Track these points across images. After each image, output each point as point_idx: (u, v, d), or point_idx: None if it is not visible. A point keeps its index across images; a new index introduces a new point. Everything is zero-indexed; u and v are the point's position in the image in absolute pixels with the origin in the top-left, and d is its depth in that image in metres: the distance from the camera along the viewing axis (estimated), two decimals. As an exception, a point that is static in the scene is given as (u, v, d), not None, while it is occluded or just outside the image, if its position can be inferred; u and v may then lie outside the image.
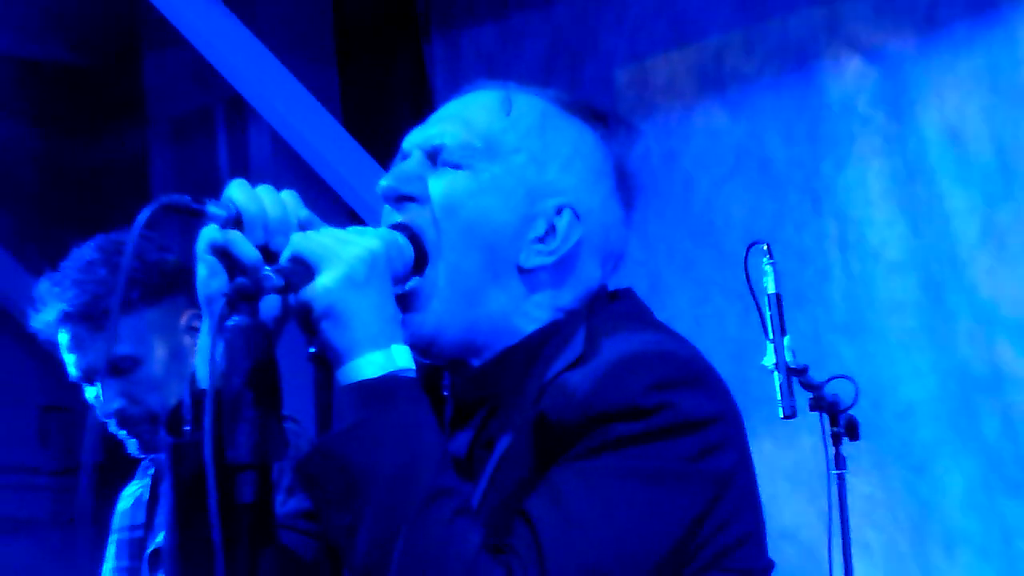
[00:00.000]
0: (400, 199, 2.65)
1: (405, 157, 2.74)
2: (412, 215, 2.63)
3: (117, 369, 3.89)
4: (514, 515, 2.44)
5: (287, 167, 6.63)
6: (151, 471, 4.19)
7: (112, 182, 7.17)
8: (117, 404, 3.92)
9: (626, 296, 2.76)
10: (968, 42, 6.12)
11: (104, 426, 4.08)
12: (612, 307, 2.72)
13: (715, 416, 2.52)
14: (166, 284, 3.23)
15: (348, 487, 2.39)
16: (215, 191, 6.23)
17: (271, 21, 6.69)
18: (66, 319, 3.95)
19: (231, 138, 6.82)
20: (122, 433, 3.95)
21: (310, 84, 6.51)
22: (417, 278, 2.62)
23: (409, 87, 6.91)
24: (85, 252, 4.13)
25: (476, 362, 2.68)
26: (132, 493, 4.27)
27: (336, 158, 6.40)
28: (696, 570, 2.51)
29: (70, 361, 4.05)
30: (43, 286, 4.04)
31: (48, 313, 3.98)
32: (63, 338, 4.01)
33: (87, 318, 3.89)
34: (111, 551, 4.30)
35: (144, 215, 2.40)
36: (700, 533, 2.49)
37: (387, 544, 2.35)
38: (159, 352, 3.92)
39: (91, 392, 4.04)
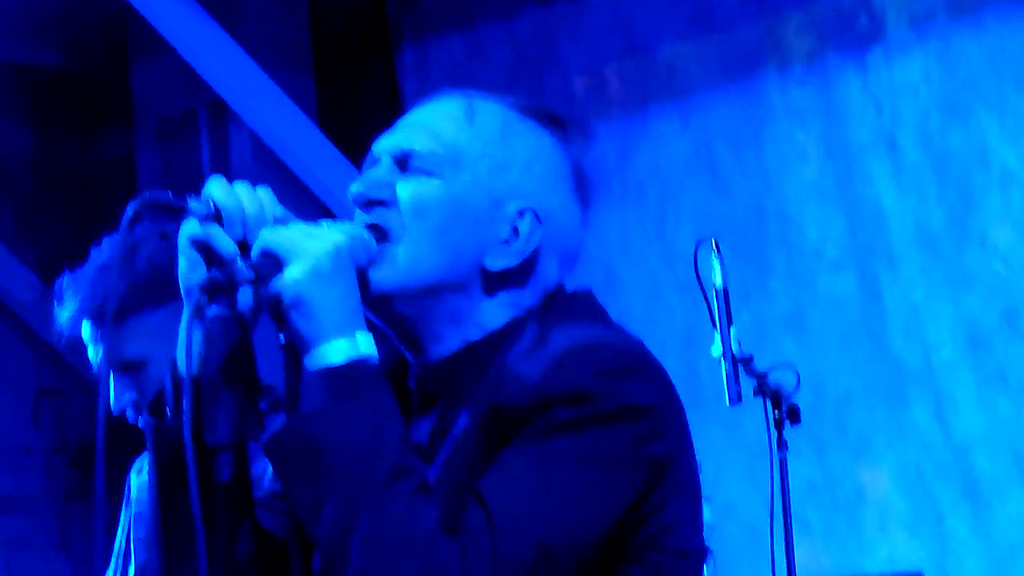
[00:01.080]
0: (369, 203, 2.66)
1: (375, 162, 2.73)
2: (381, 218, 2.63)
3: (127, 367, 3.89)
4: (467, 495, 2.44)
5: (266, 167, 6.62)
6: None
7: (101, 180, 7.20)
8: (129, 397, 3.90)
9: (584, 296, 2.77)
10: (904, 53, 6.15)
11: (109, 409, 3.93)
12: (567, 305, 2.72)
13: (655, 404, 2.54)
14: (172, 288, 2.98)
15: (314, 466, 2.42)
16: (198, 190, 6.22)
17: (252, 29, 6.68)
18: (83, 316, 3.92)
19: (213, 139, 6.81)
20: (139, 421, 3.91)
21: (288, 89, 6.52)
22: (382, 245, 2.62)
23: (381, 93, 6.92)
24: (104, 249, 4.06)
25: (436, 352, 2.68)
26: (136, 476, 4.24)
27: (312, 159, 6.42)
28: (634, 548, 2.53)
29: (92, 354, 4.01)
30: (64, 284, 3.98)
31: (67, 310, 3.93)
32: (84, 333, 3.97)
33: (102, 316, 3.86)
34: (127, 523, 4.26)
35: (129, 212, 2.42)
36: (638, 513, 2.51)
37: (349, 520, 2.39)
38: (167, 351, 3.98)
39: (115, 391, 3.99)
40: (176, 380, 2.54)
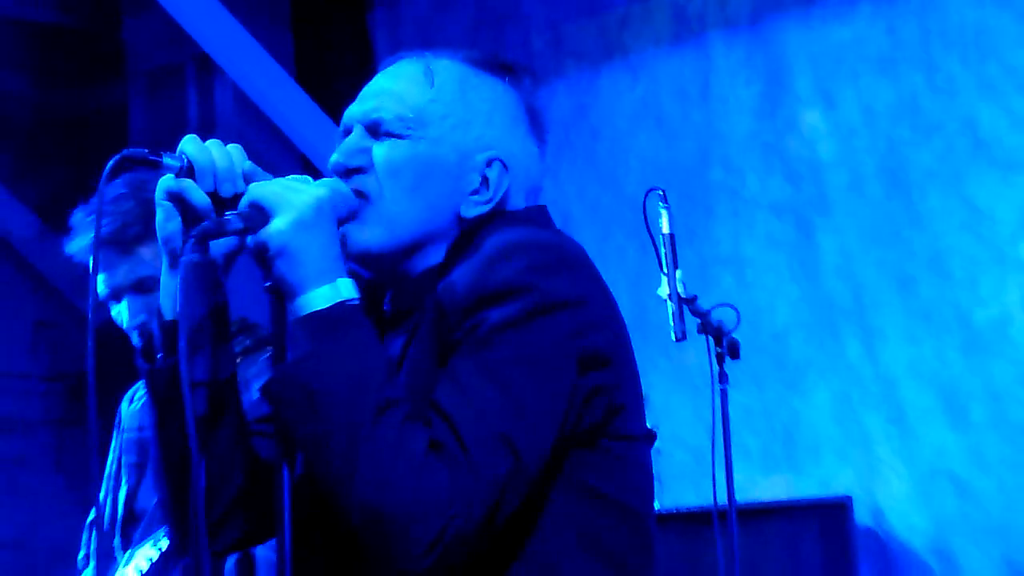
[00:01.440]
0: (348, 171, 2.67)
1: (348, 132, 2.75)
2: (360, 183, 2.65)
3: (141, 288, 3.87)
4: (428, 406, 2.45)
5: (247, 116, 6.64)
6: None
7: (95, 128, 7.19)
8: (141, 318, 3.89)
9: (533, 208, 2.80)
10: (839, 16, 6.15)
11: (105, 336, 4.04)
12: (511, 216, 2.75)
13: (585, 298, 2.53)
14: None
15: (309, 408, 2.42)
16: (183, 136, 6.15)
17: None
18: (96, 243, 3.64)
19: (199, 91, 6.81)
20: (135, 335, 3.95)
21: (267, 44, 6.51)
22: (363, 202, 2.64)
23: (354, 48, 6.90)
24: (114, 187, 4.01)
25: (407, 277, 2.70)
26: (140, 396, 4.23)
27: (290, 109, 6.42)
28: (587, 435, 2.54)
29: (100, 281, 4.00)
30: (78, 216, 4.01)
31: (82, 239, 3.95)
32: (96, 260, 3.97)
33: (115, 244, 3.86)
34: (118, 448, 4.28)
35: (110, 164, 2.40)
36: (585, 401, 2.52)
37: (346, 455, 2.39)
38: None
39: (115, 309, 3.98)
40: (163, 325, 2.55)
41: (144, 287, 3.86)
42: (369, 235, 2.66)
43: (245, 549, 3.35)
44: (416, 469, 2.40)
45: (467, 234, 2.74)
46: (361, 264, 2.70)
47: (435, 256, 2.75)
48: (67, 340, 7.34)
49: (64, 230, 6.22)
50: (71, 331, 7.32)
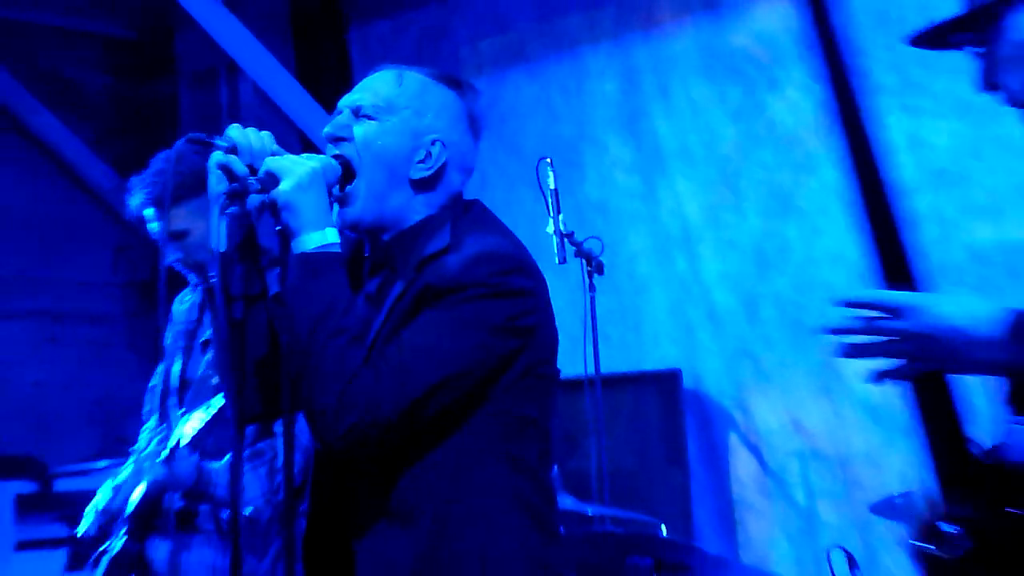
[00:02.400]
0: (336, 139, 2.86)
1: (339, 113, 2.90)
2: (344, 149, 2.84)
3: (176, 236, 4.02)
4: (394, 343, 2.67)
5: (263, 106, 6.79)
6: (200, 288, 4.24)
7: (154, 110, 7.30)
8: (176, 256, 4.06)
9: (476, 205, 2.94)
10: (674, 33, 6.38)
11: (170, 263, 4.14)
12: (469, 214, 2.90)
13: (530, 292, 2.75)
14: (203, 185, 2.99)
15: (289, 322, 2.67)
16: (218, 122, 6.54)
17: (253, 12, 6.77)
18: (148, 202, 4.06)
19: (228, 86, 6.91)
20: (184, 271, 4.13)
21: (277, 55, 6.66)
22: (349, 187, 2.81)
23: (336, 59, 7.05)
24: (159, 160, 4.20)
25: (385, 237, 2.86)
26: (187, 299, 4.33)
27: (292, 100, 6.56)
28: (519, 374, 2.75)
29: (152, 227, 4.15)
30: (134, 180, 4.12)
31: (137, 197, 4.08)
32: (147, 214, 4.10)
33: (160, 203, 4.02)
34: (171, 335, 4.35)
35: (178, 143, 2.75)
36: (517, 356, 2.74)
37: (306, 355, 2.63)
38: (201, 226, 3.97)
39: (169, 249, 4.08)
40: (214, 256, 2.77)
41: (178, 236, 4.01)
42: (353, 210, 2.80)
43: (267, 420, 3.56)
44: (347, 377, 2.58)
45: (443, 216, 2.87)
46: (350, 229, 2.82)
47: (398, 219, 2.86)
48: (136, 259, 7.46)
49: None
50: (141, 253, 7.41)
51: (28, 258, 7.24)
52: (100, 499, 4.25)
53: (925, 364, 2.31)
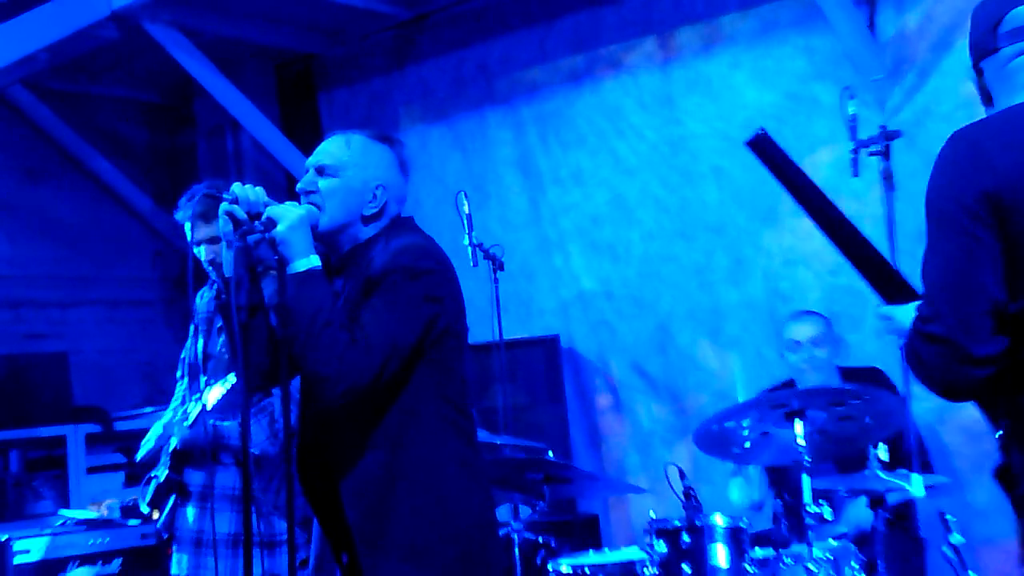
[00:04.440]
0: (307, 192, 2.81)
1: (307, 171, 2.85)
2: (313, 199, 2.78)
3: (210, 241, 3.84)
4: (355, 322, 2.63)
5: (259, 154, 6.55)
6: (215, 286, 4.07)
7: (180, 157, 7.09)
8: (210, 256, 3.88)
9: (407, 220, 2.90)
10: (551, 95, 6.14)
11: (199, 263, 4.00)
12: (399, 226, 2.86)
13: (437, 271, 2.73)
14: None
15: (290, 320, 2.61)
16: (226, 164, 6.31)
17: (250, 85, 6.57)
18: (191, 217, 3.87)
19: (233, 139, 6.68)
20: (210, 270, 3.94)
21: (268, 115, 6.42)
22: (320, 223, 2.76)
23: (311, 119, 6.84)
24: (200, 186, 4.02)
25: (343, 250, 2.82)
26: (205, 295, 4.19)
27: (281, 149, 6.31)
28: (438, 337, 2.72)
29: (190, 235, 3.94)
30: (182, 201, 3.95)
31: (184, 213, 3.89)
32: (187, 227, 3.92)
33: (200, 217, 3.84)
34: (194, 319, 4.27)
35: (199, 190, 2.72)
36: (435, 324, 2.68)
37: (305, 345, 2.59)
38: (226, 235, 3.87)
39: (198, 250, 3.94)
40: (224, 278, 2.75)
41: (211, 241, 3.85)
42: (321, 226, 2.75)
43: (266, 388, 3.45)
44: (339, 355, 2.58)
45: (383, 232, 2.82)
46: (319, 240, 2.75)
47: (353, 240, 2.82)
48: (168, 261, 7.27)
49: (164, 205, 6.29)
50: (170, 256, 7.27)
51: (91, 263, 7.10)
52: (150, 436, 4.24)
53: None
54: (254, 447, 3.93)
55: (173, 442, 4.12)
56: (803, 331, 4.54)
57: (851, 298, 5.26)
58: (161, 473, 4.11)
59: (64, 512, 5.33)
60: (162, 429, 4.26)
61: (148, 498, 4.14)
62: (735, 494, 4.54)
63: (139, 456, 4.30)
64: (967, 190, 2.16)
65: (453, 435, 2.77)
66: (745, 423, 3.85)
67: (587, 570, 4.08)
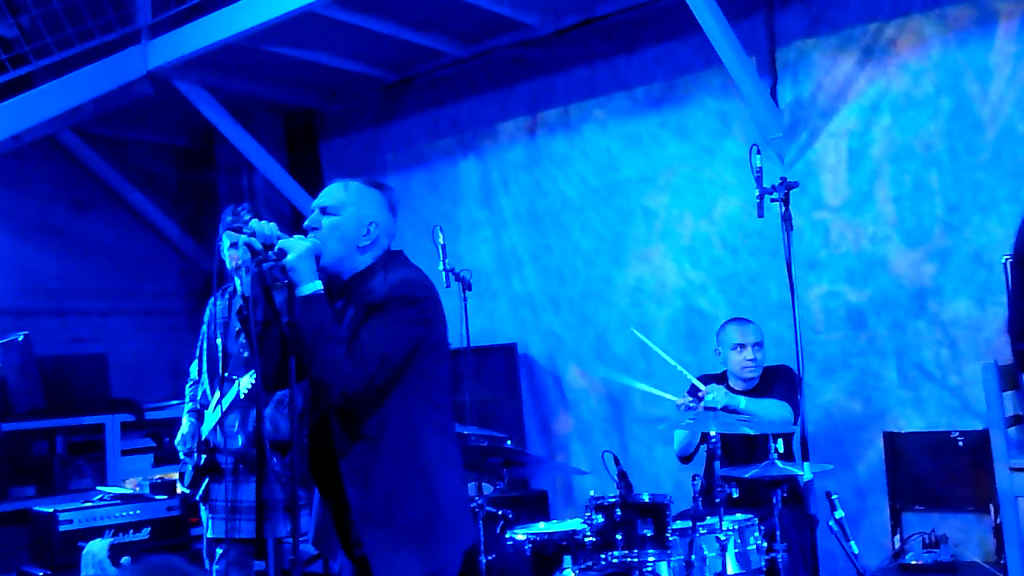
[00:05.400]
0: (313, 229, 2.77)
1: (312, 211, 2.81)
2: (317, 234, 2.75)
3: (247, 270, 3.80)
4: (354, 340, 2.60)
5: (270, 190, 6.43)
6: (228, 294, 4.08)
7: (203, 192, 6.95)
8: (234, 264, 3.79)
9: (399, 254, 2.86)
10: (504, 147, 6.13)
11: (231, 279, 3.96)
12: (394, 259, 2.83)
13: (427, 299, 2.69)
14: None
15: (298, 336, 2.56)
16: (241, 198, 6.20)
17: (263, 132, 6.48)
18: (224, 228, 3.76)
19: (248, 177, 6.57)
20: (238, 282, 3.71)
21: (277, 158, 6.33)
22: (322, 255, 2.71)
23: (312, 163, 6.71)
24: (227, 213, 3.97)
25: (344, 278, 2.77)
26: (218, 303, 4.15)
27: (288, 187, 6.20)
28: (426, 350, 2.69)
29: (226, 255, 3.90)
30: (220, 226, 3.82)
31: (222, 234, 3.69)
32: (224, 245, 3.83)
33: (231, 230, 3.74)
34: (210, 321, 4.19)
35: (224, 220, 2.67)
36: (422, 345, 2.66)
37: (311, 352, 2.55)
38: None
39: (226, 254, 3.89)
40: (244, 298, 2.67)
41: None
42: (324, 261, 2.70)
43: (280, 386, 3.27)
44: (339, 365, 2.56)
45: (378, 264, 2.78)
46: (324, 271, 2.71)
47: (352, 269, 2.77)
48: (193, 278, 7.14)
49: (189, 232, 6.15)
50: (195, 275, 7.15)
51: (127, 279, 7.00)
52: (185, 426, 4.19)
53: None
54: (283, 434, 3.90)
55: (205, 430, 4.05)
56: (748, 335, 4.50)
57: (753, 313, 5.29)
58: (195, 459, 4.07)
59: (101, 488, 5.25)
60: (193, 418, 4.17)
61: (188, 480, 4.08)
62: (677, 438, 4.50)
63: (177, 443, 4.25)
64: None
65: (435, 430, 2.74)
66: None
67: (538, 537, 4.08)
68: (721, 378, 4.50)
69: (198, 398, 4.23)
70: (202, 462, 4.03)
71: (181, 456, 4.21)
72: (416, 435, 2.69)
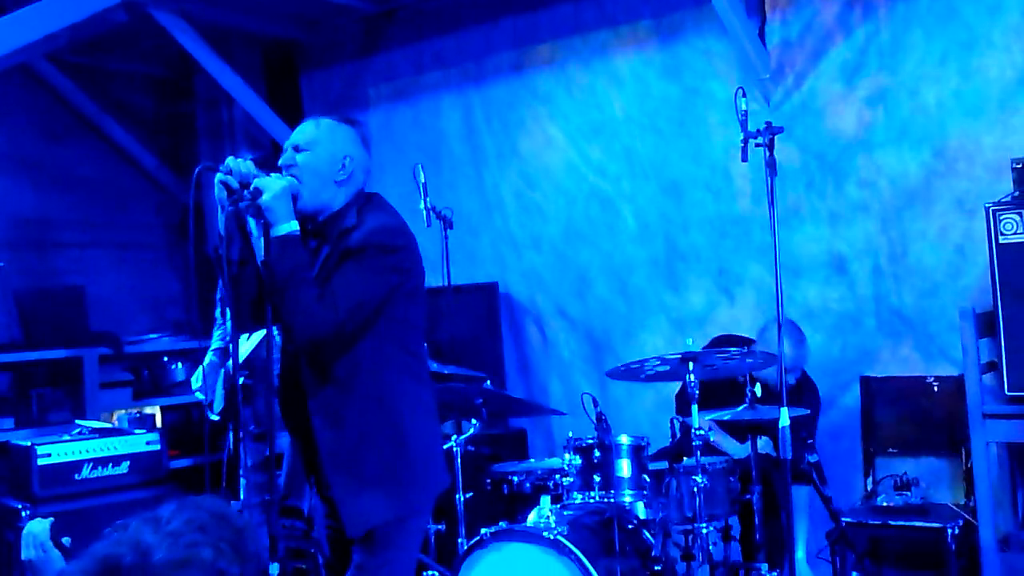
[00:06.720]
0: (288, 166, 2.73)
1: (285, 150, 2.78)
2: (293, 171, 2.71)
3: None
4: (328, 285, 2.58)
5: (249, 123, 6.31)
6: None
7: (182, 124, 6.82)
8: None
9: (376, 196, 2.82)
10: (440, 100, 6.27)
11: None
12: (370, 203, 2.79)
13: (405, 247, 2.67)
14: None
15: (272, 277, 2.53)
16: (220, 131, 6.04)
17: (241, 64, 6.33)
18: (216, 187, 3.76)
19: (227, 110, 6.44)
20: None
21: (256, 90, 6.20)
22: (299, 192, 2.67)
23: (292, 95, 6.60)
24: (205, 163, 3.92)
25: (320, 218, 2.74)
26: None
27: (267, 120, 6.09)
28: (404, 295, 2.68)
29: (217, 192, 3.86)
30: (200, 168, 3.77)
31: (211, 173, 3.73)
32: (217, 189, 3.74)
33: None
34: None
35: (199, 168, 2.52)
36: (398, 291, 2.65)
37: (283, 293, 2.52)
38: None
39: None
40: (219, 237, 2.60)
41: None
42: (303, 203, 2.66)
43: (256, 328, 3.28)
44: (309, 309, 2.55)
45: (353, 204, 2.73)
46: (300, 213, 2.67)
47: (328, 210, 2.73)
48: (170, 211, 7.04)
49: (167, 163, 6.01)
50: (173, 207, 7.01)
51: (104, 211, 6.85)
52: (205, 362, 4.21)
53: None
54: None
55: (242, 357, 4.01)
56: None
57: (735, 256, 5.30)
58: (217, 404, 4.12)
59: (80, 422, 5.23)
60: (216, 357, 4.18)
61: (219, 407, 4.15)
62: None
63: (194, 378, 4.33)
64: None
65: (408, 377, 2.73)
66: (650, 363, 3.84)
67: (516, 477, 4.09)
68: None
69: (226, 339, 4.20)
70: (240, 382, 4.00)
71: (196, 394, 4.27)
72: (388, 381, 2.67)
